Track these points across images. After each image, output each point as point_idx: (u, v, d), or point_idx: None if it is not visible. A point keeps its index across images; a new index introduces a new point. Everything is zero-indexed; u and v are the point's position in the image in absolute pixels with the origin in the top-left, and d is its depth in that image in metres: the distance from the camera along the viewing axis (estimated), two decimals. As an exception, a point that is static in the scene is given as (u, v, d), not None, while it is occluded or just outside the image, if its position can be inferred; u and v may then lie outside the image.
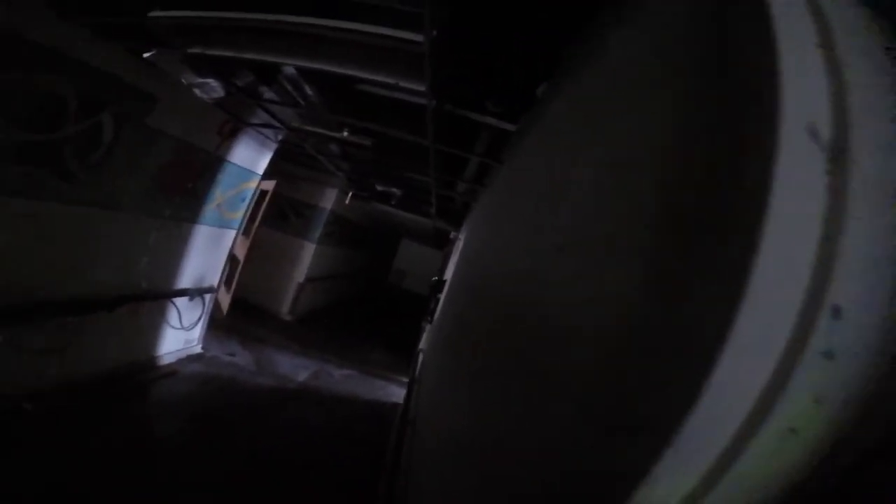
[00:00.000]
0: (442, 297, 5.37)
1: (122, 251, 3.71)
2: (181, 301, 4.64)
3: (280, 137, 4.65)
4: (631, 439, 0.47)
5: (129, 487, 2.81)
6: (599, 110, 1.05)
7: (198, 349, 5.19)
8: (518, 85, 2.11)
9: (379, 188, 5.97)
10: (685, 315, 0.45)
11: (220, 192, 4.74)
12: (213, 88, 2.98)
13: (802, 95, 0.43)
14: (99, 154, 3.12)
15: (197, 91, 3.03)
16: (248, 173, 5.10)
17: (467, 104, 2.38)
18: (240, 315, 6.87)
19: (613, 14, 1.18)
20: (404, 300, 15.90)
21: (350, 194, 7.11)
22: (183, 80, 2.90)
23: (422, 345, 6.12)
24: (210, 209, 4.68)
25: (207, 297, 5.09)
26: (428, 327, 6.00)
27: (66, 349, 3.36)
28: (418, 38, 1.58)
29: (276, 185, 6.41)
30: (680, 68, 0.69)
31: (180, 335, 4.81)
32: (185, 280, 4.67)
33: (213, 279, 5.20)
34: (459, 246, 5.52)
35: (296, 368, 5.89)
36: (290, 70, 2.75)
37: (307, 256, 8.06)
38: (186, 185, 4.15)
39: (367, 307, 12.35)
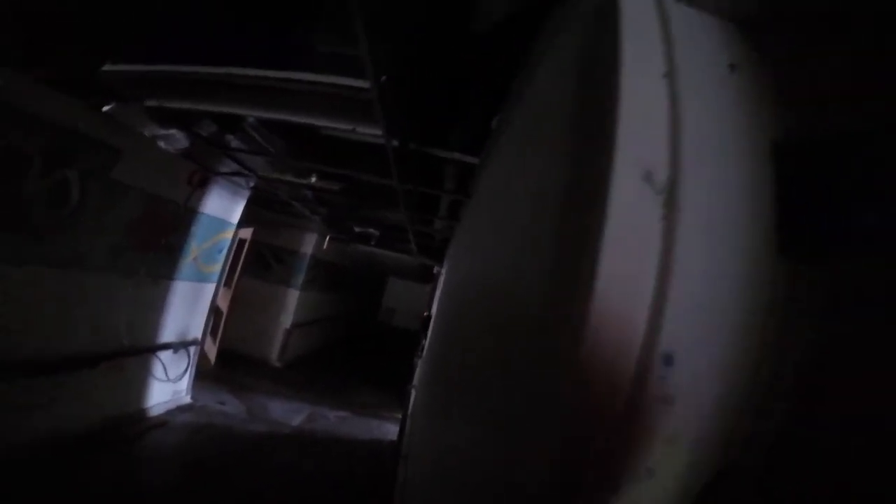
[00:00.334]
0: (429, 332, 5.30)
1: (100, 309, 3.63)
2: (166, 354, 4.55)
3: (252, 184, 4.64)
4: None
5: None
6: (527, 143, 1.04)
7: (187, 400, 5.07)
8: (475, 118, 2.13)
9: (357, 230, 5.95)
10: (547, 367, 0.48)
11: (196, 246, 4.67)
12: (177, 139, 2.97)
13: (639, 138, 0.43)
14: (68, 212, 3.06)
15: (161, 143, 3.02)
16: (222, 223, 5.04)
17: (431, 141, 2.38)
18: (228, 364, 6.72)
19: (537, 52, 1.19)
20: (395, 337, 15.67)
21: (328, 238, 7.08)
22: (145, 133, 2.89)
23: (415, 381, 6.00)
24: (186, 264, 4.60)
25: (192, 349, 4.98)
26: (419, 364, 5.89)
27: (52, 405, 3.30)
28: (365, 84, 1.59)
29: (254, 233, 6.37)
30: (565, 108, 0.69)
31: (168, 387, 4.70)
32: (168, 334, 4.58)
33: (197, 332, 5.09)
34: (442, 280, 5.49)
35: (289, 413, 5.74)
36: (252, 118, 2.76)
37: (292, 303, 7.94)
38: (160, 241, 4.08)
39: (357, 348, 12.13)
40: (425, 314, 6.78)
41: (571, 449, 0.42)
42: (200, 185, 4.31)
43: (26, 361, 3.00)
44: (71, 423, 3.52)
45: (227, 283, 6.19)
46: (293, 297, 7.95)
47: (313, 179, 3.16)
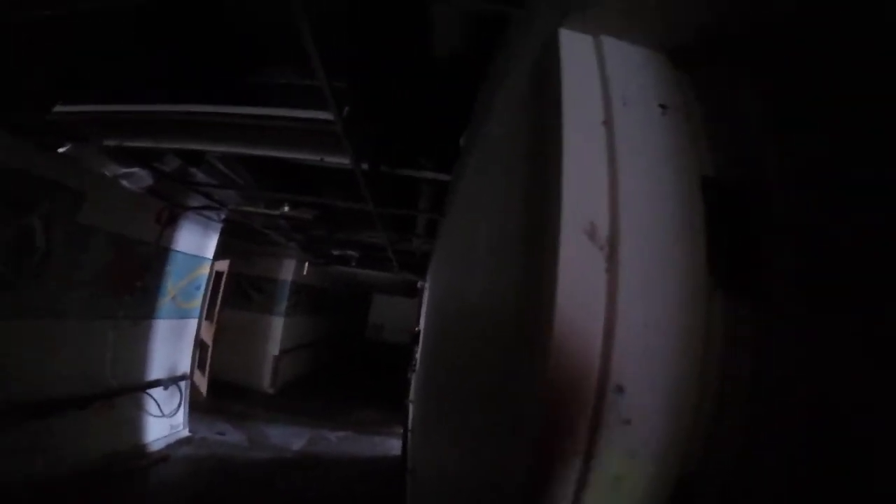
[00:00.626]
0: (419, 346, 5.26)
1: (83, 354, 3.56)
2: (157, 391, 4.48)
3: (223, 216, 4.56)
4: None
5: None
6: (490, 168, 1.05)
7: (185, 433, 4.98)
8: (443, 137, 2.13)
9: (335, 253, 5.90)
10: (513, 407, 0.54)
11: (172, 284, 4.56)
12: (141, 177, 2.90)
13: (582, 194, 0.47)
14: (36, 259, 2.96)
15: (124, 182, 2.94)
16: (197, 259, 4.94)
17: (402, 162, 2.37)
18: (221, 395, 6.57)
19: (494, 75, 1.20)
20: (385, 353, 15.49)
21: (307, 263, 7.00)
22: (107, 173, 2.81)
23: (411, 397, 5.94)
24: (165, 303, 4.49)
25: (183, 383, 4.89)
26: (413, 379, 5.85)
27: (49, 447, 3.25)
28: (329, 116, 1.57)
29: (231, 265, 6.26)
30: (520, 144, 0.71)
31: (164, 422, 4.62)
32: (156, 371, 4.51)
33: (185, 367, 5.00)
34: (426, 295, 5.46)
35: (289, 438, 5.64)
36: (216, 152, 2.71)
37: (277, 330, 7.80)
38: (134, 284, 3.97)
39: (348, 367, 11.96)
40: (416, 329, 6.75)
41: (542, 459, 0.47)
42: (170, 222, 4.21)
43: (14, 407, 2.94)
44: (71, 463, 3.47)
45: (209, 317, 6.06)
46: (278, 324, 7.82)
47: (286, 209, 3.11)
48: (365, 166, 2.10)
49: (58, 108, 2.18)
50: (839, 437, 0.40)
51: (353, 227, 4.01)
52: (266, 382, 7.73)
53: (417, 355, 5.30)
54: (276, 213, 3.13)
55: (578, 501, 0.47)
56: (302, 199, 3.04)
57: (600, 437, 0.46)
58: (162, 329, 4.52)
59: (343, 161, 1.95)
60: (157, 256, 4.23)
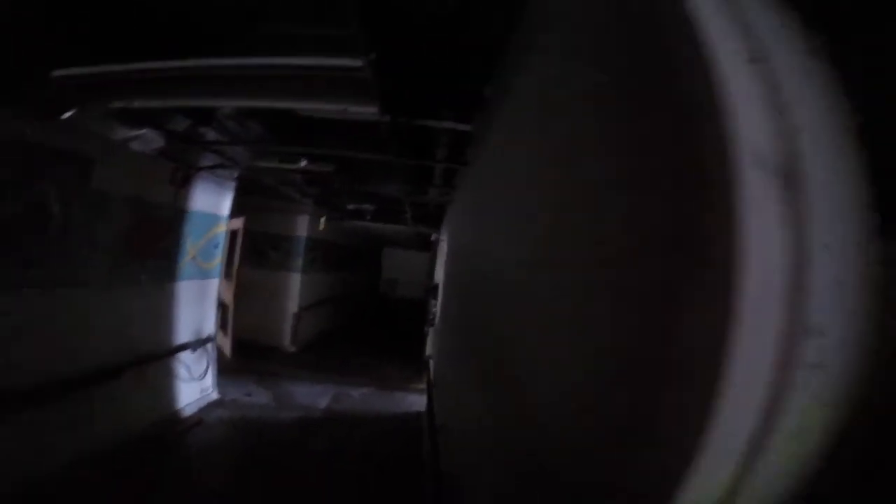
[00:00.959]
0: (438, 301, 5.29)
1: (109, 322, 3.57)
2: (186, 354, 4.56)
3: (237, 174, 4.49)
4: (655, 454, 0.52)
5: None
6: (541, 119, 0.96)
7: (215, 395, 5.13)
8: (465, 88, 2.02)
9: (350, 207, 5.84)
10: (682, 345, 0.49)
11: (192, 244, 4.56)
12: (151, 139, 2.82)
13: (749, 125, 0.42)
14: (53, 230, 2.92)
15: (134, 144, 2.87)
16: (214, 218, 4.91)
17: (421, 113, 2.27)
18: (245, 355, 6.69)
19: (541, 17, 1.09)
20: (400, 308, 15.75)
21: (323, 218, 6.95)
22: (115, 136, 2.73)
23: (428, 351, 6.04)
24: (186, 264, 4.50)
25: (209, 345, 5.00)
26: (431, 333, 5.92)
27: (90, 420, 3.34)
28: (357, 63, 1.46)
29: (246, 223, 6.24)
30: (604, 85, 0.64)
31: (195, 386, 4.74)
32: (184, 335, 4.57)
33: (210, 328, 5.08)
34: (444, 248, 5.43)
35: (314, 397, 5.80)
36: (228, 108, 2.61)
37: (295, 287, 7.88)
38: (155, 246, 3.96)
39: (366, 322, 12.21)
40: (432, 284, 6.78)
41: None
42: (184, 183, 4.15)
43: (52, 382, 2.99)
44: (111, 435, 3.56)
45: (228, 276, 6.11)
46: (296, 280, 7.89)
47: (304, 163, 3.03)
48: (387, 117, 2.00)
49: (58, 73, 2.07)
50: None
51: (371, 180, 3.94)
52: (287, 340, 7.90)
53: (436, 309, 5.34)
54: (295, 167, 3.05)
55: (763, 449, 0.45)
56: (320, 152, 2.95)
57: (789, 382, 0.43)
58: (186, 291, 4.56)
59: (368, 110, 1.85)
60: (174, 218, 4.21)
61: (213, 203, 4.84)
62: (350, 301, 11.98)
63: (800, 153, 0.42)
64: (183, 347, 4.51)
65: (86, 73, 2.04)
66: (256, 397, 5.53)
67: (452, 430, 2.62)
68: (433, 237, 7.61)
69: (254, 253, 7.61)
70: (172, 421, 4.32)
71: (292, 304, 7.86)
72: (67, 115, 2.58)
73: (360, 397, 6.08)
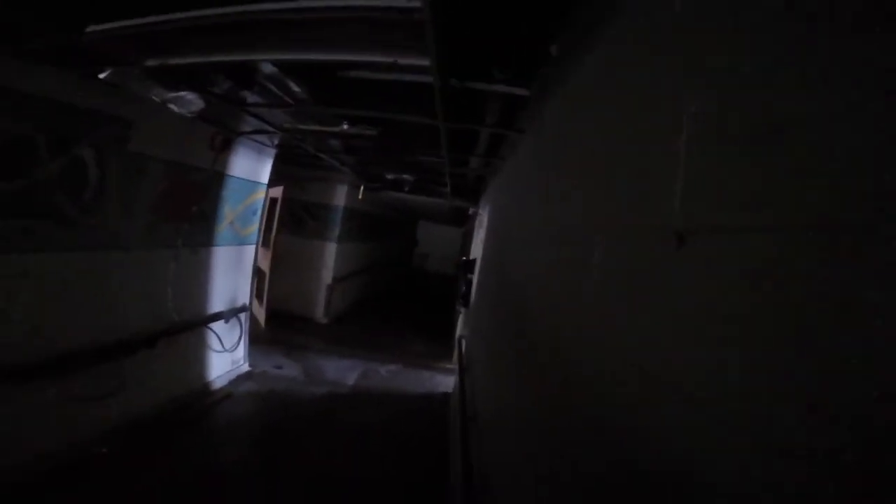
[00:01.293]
0: (475, 278, 5.12)
1: (144, 288, 3.57)
2: (218, 325, 4.54)
3: (276, 142, 4.38)
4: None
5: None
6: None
7: (245, 367, 5.14)
8: (526, 45, 1.78)
9: (389, 177, 5.67)
10: None
11: (230, 209, 4.52)
12: (190, 101, 2.72)
13: None
14: (91, 192, 2.90)
15: (173, 106, 2.77)
16: (252, 184, 4.86)
17: (472, 75, 2.04)
18: (278, 325, 6.83)
19: None
20: (431, 282, 15.74)
21: (362, 188, 6.84)
22: (154, 98, 2.63)
23: (460, 331, 5.92)
24: (223, 229, 4.48)
25: (243, 315, 4.97)
26: (463, 311, 5.78)
27: (121, 390, 3.34)
28: (413, 3, 1.25)
29: (285, 191, 6.20)
30: None
31: (226, 357, 4.75)
32: (217, 303, 4.56)
33: (245, 297, 5.07)
34: (484, 222, 5.22)
35: (343, 372, 5.81)
36: (269, 69, 2.45)
37: (331, 257, 7.89)
38: (192, 209, 3.92)
39: (397, 296, 12.27)
40: (465, 258, 6.61)
41: None
42: (224, 147, 4.07)
43: (82, 351, 2.98)
44: (141, 406, 3.59)
45: (265, 244, 6.12)
46: (331, 250, 7.89)
47: (345, 126, 2.86)
48: (438, 77, 1.79)
49: (91, 28, 1.95)
50: None
51: (413, 146, 3.74)
52: (320, 311, 7.97)
53: (473, 287, 5.17)
54: (336, 130, 2.89)
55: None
56: (362, 114, 2.77)
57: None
58: (222, 256, 4.55)
59: (421, 62, 1.64)
60: (212, 182, 4.15)
61: (252, 169, 4.78)
62: (382, 273, 12.00)
63: None
64: (217, 317, 4.50)
65: (120, 27, 1.92)
66: (286, 370, 5.57)
67: (486, 423, 2.47)
68: (470, 211, 7.41)
69: (292, 221, 7.64)
70: (202, 393, 4.35)
71: (327, 275, 7.89)
72: (104, 74, 2.49)
73: (388, 374, 6.08)
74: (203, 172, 3.97)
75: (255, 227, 5.15)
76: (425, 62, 1.59)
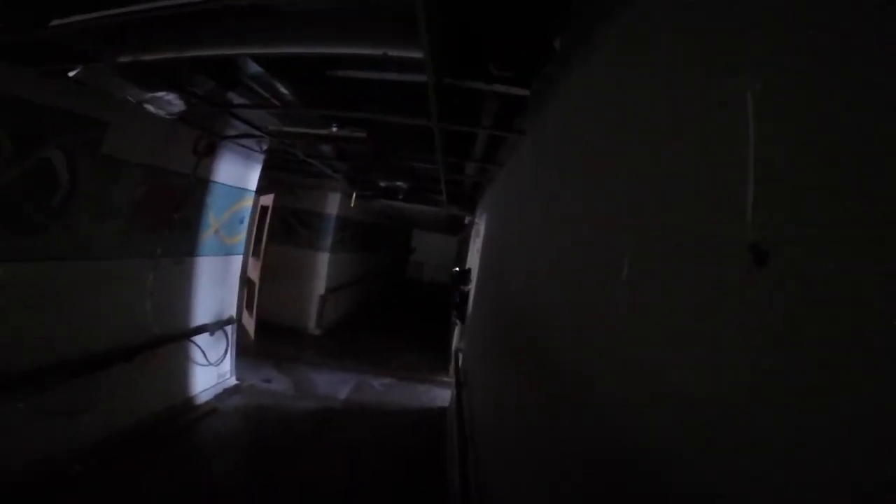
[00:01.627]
0: (472, 288, 4.95)
1: (120, 300, 3.37)
2: (203, 338, 4.33)
3: (265, 147, 4.21)
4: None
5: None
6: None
7: (232, 381, 4.92)
8: (526, 40, 1.63)
9: (382, 184, 5.52)
10: None
11: (214, 217, 4.33)
12: (170, 102, 2.55)
13: None
14: (60, 197, 2.72)
15: (150, 107, 2.60)
16: (239, 191, 4.67)
17: (468, 73, 1.88)
18: (268, 337, 6.58)
19: None
20: (427, 292, 15.55)
21: (354, 195, 6.68)
22: (130, 98, 2.46)
23: (456, 344, 5.74)
24: (208, 238, 4.29)
25: (229, 328, 4.76)
26: (459, 325, 5.60)
27: (97, 406, 3.16)
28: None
29: (276, 199, 6.02)
30: None
31: (211, 371, 4.53)
32: (202, 316, 4.35)
33: (231, 309, 4.86)
34: (481, 231, 5.06)
35: (335, 386, 5.59)
36: (254, 68, 2.30)
37: (323, 267, 7.69)
38: (172, 217, 3.72)
39: (391, 306, 12.06)
40: (461, 268, 6.43)
41: None
42: (208, 151, 3.88)
43: (55, 366, 2.80)
44: (120, 422, 3.40)
45: (256, 253, 5.92)
46: (324, 259, 7.69)
47: (335, 129, 2.71)
48: (431, 73, 1.63)
49: (56, 22, 1.79)
50: None
51: (405, 150, 3.58)
52: (312, 323, 7.74)
53: (470, 299, 4.99)
54: (325, 132, 2.73)
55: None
56: (352, 115, 2.61)
57: None
58: (206, 267, 4.34)
59: (413, 54, 1.49)
60: (195, 188, 3.96)
61: (239, 176, 4.59)
62: (377, 283, 11.81)
63: None
64: (201, 329, 4.28)
65: (84, 20, 1.76)
66: (276, 384, 5.35)
67: (485, 442, 2.29)
68: (467, 220, 7.25)
69: (283, 229, 7.46)
70: (185, 409, 4.13)
71: (320, 285, 7.69)
72: (74, 72, 2.32)
73: (382, 388, 5.87)
74: (185, 178, 3.77)
75: (242, 237, 4.96)
76: (418, 54, 1.43)
